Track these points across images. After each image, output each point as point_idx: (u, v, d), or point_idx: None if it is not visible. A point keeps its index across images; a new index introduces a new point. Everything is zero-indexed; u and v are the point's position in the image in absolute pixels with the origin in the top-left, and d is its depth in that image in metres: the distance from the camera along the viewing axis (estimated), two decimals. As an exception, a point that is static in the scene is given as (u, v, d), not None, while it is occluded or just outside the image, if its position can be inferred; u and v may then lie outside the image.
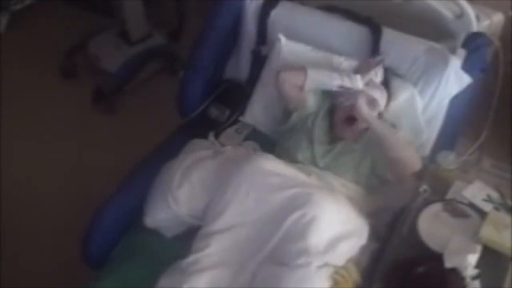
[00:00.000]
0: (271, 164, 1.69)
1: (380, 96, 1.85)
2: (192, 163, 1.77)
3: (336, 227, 1.57)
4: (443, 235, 1.57)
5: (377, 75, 1.88)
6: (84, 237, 1.75)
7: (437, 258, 1.53)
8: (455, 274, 1.51)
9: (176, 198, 1.70)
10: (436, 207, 1.64)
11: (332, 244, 1.54)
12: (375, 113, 1.84)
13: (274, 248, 1.55)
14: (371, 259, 1.63)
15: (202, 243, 1.58)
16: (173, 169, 1.77)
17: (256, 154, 1.82)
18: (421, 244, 1.58)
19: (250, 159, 1.71)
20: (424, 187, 1.74)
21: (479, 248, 1.54)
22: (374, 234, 1.69)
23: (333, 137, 1.88)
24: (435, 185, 1.75)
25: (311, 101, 1.91)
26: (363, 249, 1.63)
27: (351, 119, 1.82)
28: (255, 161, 1.69)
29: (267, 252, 1.55)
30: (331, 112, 1.91)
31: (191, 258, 1.55)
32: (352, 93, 1.79)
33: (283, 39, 1.97)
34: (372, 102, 1.83)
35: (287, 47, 1.99)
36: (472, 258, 1.52)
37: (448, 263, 1.52)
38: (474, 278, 1.50)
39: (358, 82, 1.83)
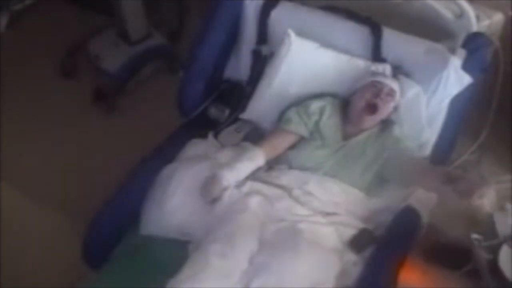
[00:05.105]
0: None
1: (397, 88, 1.87)
2: (187, 190, 1.74)
3: (301, 283, 1.51)
4: None
5: (386, 71, 1.89)
6: (84, 237, 1.76)
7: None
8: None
9: (170, 220, 1.71)
10: None
11: None
12: (392, 105, 1.86)
13: None
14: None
15: None
16: (171, 187, 1.74)
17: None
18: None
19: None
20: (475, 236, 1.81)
21: None
22: (372, 236, 1.69)
23: (344, 134, 1.88)
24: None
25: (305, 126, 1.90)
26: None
27: (372, 108, 1.83)
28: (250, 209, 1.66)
29: None
30: (341, 109, 1.92)
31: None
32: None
33: (292, 35, 1.96)
34: (391, 94, 1.85)
35: (296, 43, 1.98)
36: None
37: None
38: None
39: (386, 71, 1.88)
